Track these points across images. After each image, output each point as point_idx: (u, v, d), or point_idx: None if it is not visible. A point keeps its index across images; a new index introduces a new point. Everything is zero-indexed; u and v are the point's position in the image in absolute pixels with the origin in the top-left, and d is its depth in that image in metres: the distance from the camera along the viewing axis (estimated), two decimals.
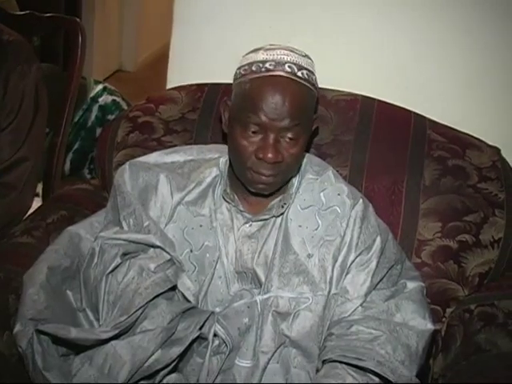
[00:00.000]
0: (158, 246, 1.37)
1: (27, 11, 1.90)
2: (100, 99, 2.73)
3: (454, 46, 1.77)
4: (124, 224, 1.42)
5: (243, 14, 1.80)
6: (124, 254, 1.36)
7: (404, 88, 1.81)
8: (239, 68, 1.36)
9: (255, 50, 1.36)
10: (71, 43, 1.86)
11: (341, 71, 1.79)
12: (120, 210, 1.43)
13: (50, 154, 1.88)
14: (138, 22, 5.39)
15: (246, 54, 1.37)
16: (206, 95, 1.71)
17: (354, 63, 1.80)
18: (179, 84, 1.80)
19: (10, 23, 1.82)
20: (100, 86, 2.78)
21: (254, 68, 1.32)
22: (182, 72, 1.84)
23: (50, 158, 1.89)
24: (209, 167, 1.46)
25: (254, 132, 1.30)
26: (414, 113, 1.70)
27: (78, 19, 1.87)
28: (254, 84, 1.30)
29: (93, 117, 2.73)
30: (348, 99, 1.69)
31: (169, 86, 1.85)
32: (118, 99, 2.78)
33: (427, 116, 1.70)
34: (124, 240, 1.39)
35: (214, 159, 1.48)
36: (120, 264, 1.34)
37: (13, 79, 1.69)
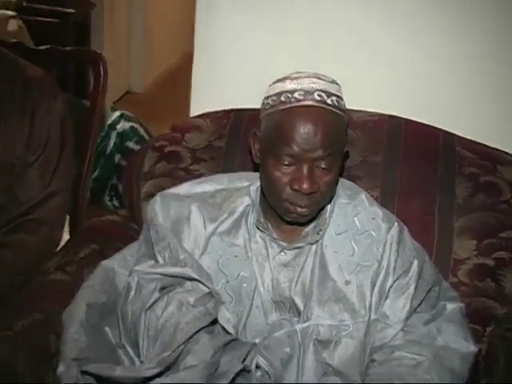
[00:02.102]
0: (195, 279, 1.39)
1: (48, 45, 1.93)
2: (118, 126, 2.76)
3: (480, 61, 1.78)
4: (159, 257, 1.44)
5: (266, 39, 1.82)
6: (162, 289, 1.38)
7: (429, 104, 1.83)
8: (267, 98, 1.38)
9: (282, 79, 1.37)
10: (94, 75, 1.89)
11: (363, 91, 1.81)
12: (154, 244, 1.45)
13: (75, 184, 1.90)
14: (145, 45, 5.46)
15: (273, 84, 1.38)
16: (232, 122, 1.74)
17: (377, 82, 1.82)
18: (203, 111, 1.82)
19: (31, 57, 1.85)
20: (117, 113, 2.82)
21: (282, 98, 1.33)
22: (206, 99, 1.87)
23: (76, 188, 1.91)
24: (240, 196, 1.48)
25: (287, 163, 1.32)
26: (442, 130, 1.72)
27: (99, 51, 1.90)
28: (284, 115, 1.32)
29: (111, 144, 2.77)
30: (375, 119, 1.71)
31: (192, 113, 1.87)
32: (135, 125, 2.82)
33: (455, 132, 1.72)
34: (160, 274, 1.41)
35: (244, 188, 1.49)
36: (158, 298, 1.36)
37: (39, 115, 1.72)
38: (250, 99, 1.75)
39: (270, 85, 1.39)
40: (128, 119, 2.82)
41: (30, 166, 1.73)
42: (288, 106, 1.32)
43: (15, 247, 1.69)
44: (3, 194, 1.72)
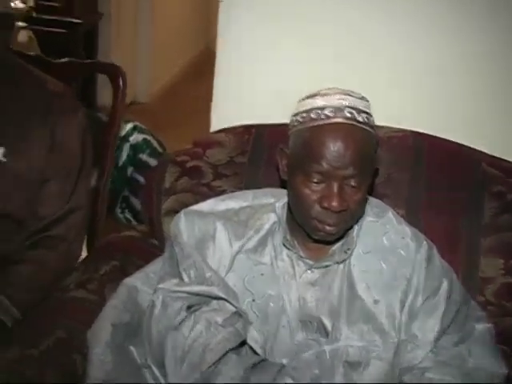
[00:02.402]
0: (222, 298, 1.37)
1: (67, 58, 1.92)
2: (131, 138, 2.75)
3: (501, 76, 1.78)
4: (184, 276, 1.42)
5: (286, 55, 1.81)
6: (188, 307, 1.37)
7: (451, 120, 1.82)
8: (295, 115, 1.37)
9: (312, 96, 1.36)
10: (113, 88, 1.88)
11: (385, 105, 1.80)
12: (179, 262, 1.44)
13: (92, 199, 1.88)
14: (151, 55, 5.47)
15: (303, 100, 1.37)
16: (254, 137, 1.72)
17: (398, 97, 1.81)
18: (223, 126, 1.81)
19: (51, 70, 1.84)
20: (130, 125, 2.80)
21: (312, 115, 1.32)
22: (226, 114, 1.85)
23: (94, 203, 1.89)
24: (266, 213, 1.46)
25: (316, 181, 1.30)
26: (466, 146, 1.71)
27: (118, 64, 1.89)
28: (314, 132, 1.31)
29: (124, 156, 2.75)
30: (399, 136, 1.70)
31: (213, 128, 1.86)
32: (148, 137, 2.81)
33: (479, 149, 1.70)
34: (186, 292, 1.39)
35: (269, 204, 1.48)
36: (185, 318, 1.34)
37: (59, 129, 1.70)
38: (271, 114, 1.75)
39: (299, 101, 1.38)
40: (141, 131, 2.81)
41: (50, 181, 1.71)
42: (318, 123, 1.31)
43: (34, 263, 1.67)
44: (23, 209, 1.70)
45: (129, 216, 2.79)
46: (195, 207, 1.52)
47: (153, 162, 2.80)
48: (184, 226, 1.47)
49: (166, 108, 5.38)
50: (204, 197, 1.66)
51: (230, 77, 1.84)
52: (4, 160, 1.67)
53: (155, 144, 2.82)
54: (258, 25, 1.80)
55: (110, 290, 1.52)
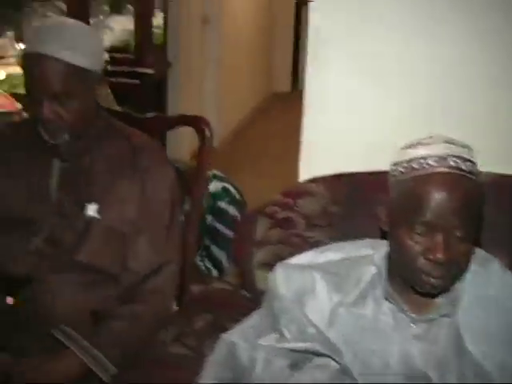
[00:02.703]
0: (325, 354, 1.34)
1: (154, 114, 1.95)
2: (210, 186, 2.75)
3: None
4: (285, 331, 1.40)
5: (375, 101, 1.80)
6: (291, 365, 1.34)
7: None
8: (396, 164, 1.34)
9: (413, 145, 1.34)
10: (200, 139, 1.90)
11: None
12: (279, 317, 1.42)
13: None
14: (218, 101, 5.55)
15: (403, 149, 1.35)
16: (347, 186, 1.70)
17: (496, 142, 1.77)
18: (312, 175, 1.79)
19: (138, 126, 1.87)
20: (209, 173, 2.81)
21: (415, 165, 1.30)
22: (314, 163, 1.84)
23: (182, 254, 1.89)
24: (365, 265, 1.43)
25: (420, 232, 1.27)
26: None
27: (202, 117, 1.91)
28: (418, 182, 1.28)
29: (204, 205, 2.76)
30: (497, 180, 1.65)
31: (301, 177, 1.85)
32: (227, 185, 2.81)
33: None
34: (289, 349, 1.37)
35: (368, 256, 1.45)
36: (290, 376, 1.32)
37: (149, 184, 1.72)
38: (362, 162, 1.73)
39: (400, 150, 1.35)
40: (220, 179, 2.82)
41: (142, 234, 1.72)
42: (421, 172, 1.29)
43: (129, 318, 1.68)
44: (116, 264, 1.72)
45: (209, 265, 2.79)
46: (292, 260, 1.50)
47: (232, 210, 2.80)
48: (282, 280, 1.45)
49: (234, 152, 5.44)
50: (297, 248, 1.64)
51: (318, 126, 1.82)
52: (97, 217, 1.70)
53: (234, 192, 2.83)
54: (349, 74, 1.79)
55: (207, 346, 1.51)
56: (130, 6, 4.61)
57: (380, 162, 1.59)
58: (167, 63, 4.63)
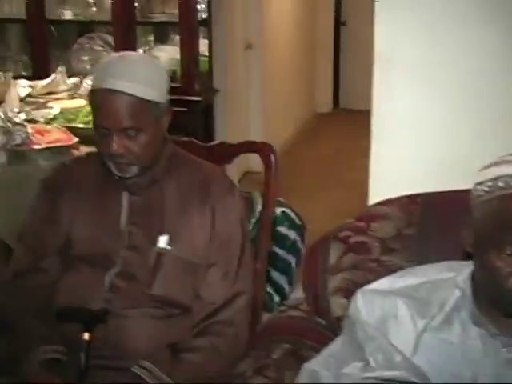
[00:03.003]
0: (413, 382, 1.30)
1: (218, 141, 1.95)
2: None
3: None
4: (371, 360, 1.37)
5: (446, 121, 1.77)
6: None
7: None
8: (480, 184, 1.31)
9: (497, 163, 1.31)
10: (265, 166, 1.89)
11: None
12: (363, 345, 1.38)
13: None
14: (263, 126, 5.54)
15: (486, 168, 1.32)
16: (421, 207, 1.67)
17: None
18: (382, 198, 1.76)
19: (202, 154, 1.86)
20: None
21: (500, 183, 1.27)
22: (384, 185, 1.81)
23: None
24: (448, 288, 1.40)
25: (510, 253, 1.24)
26: None
27: (269, 143, 1.90)
28: (504, 202, 1.26)
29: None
30: None
31: (371, 200, 1.82)
32: (286, 210, 2.79)
33: None
34: (376, 378, 1.33)
35: (450, 279, 1.41)
36: None
37: (219, 213, 1.71)
38: (432, 182, 1.70)
39: (482, 169, 1.33)
40: (279, 204, 2.79)
41: (213, 265, 1.71)
42: (508, 191, 1.26)
43: (205, 351, 1.66)
44: (188, 296, 1.71)
45: (270, 290, 2.75)
46: (372, 286, 1.47)
47: (292, 234, 2.77)
48: (363, 306, 1.42)
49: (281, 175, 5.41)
50: (373, 273, 1.62)
51: (387, 148, 1.80)
52: (168, 248, 1.69)
53: (293, 216, 2.80)
54: (414, 97, 1.77)
55: (289, 376, 1.48)
56: (174, 36, 4.66)
57: (453, 181, 1.56)
58: (214, 90, 4.65)
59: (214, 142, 1.97)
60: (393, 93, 1.77)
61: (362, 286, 1.53)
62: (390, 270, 1.58)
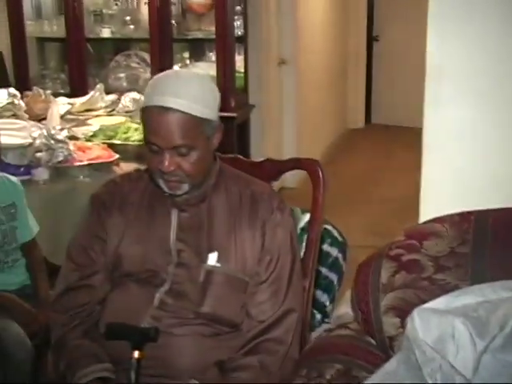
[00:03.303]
0: None
1: (265, 158, 1.95)
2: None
3: None
4: (429, 380, 1.34)
5: (496, 133, 1.75)
6: None
7: None
8: None
9: None
10: (313, 184, 1.88)
11: None
12: (421, 365, 1.36)
13: None
14: (296, 142, 5.55)
15: None
16: (475, 225, 1.63)
17: None
18: (434, 215, 1.74)
19: (249, 170, 1.86)
20: (308, 216, 2.76)
21: None
22: (435, 201, 1.79)
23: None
24: (507, 308, 1.36)
25: None
26: None
27: (315, 159, 1.89)
28: None
29: (304, 247, 2.71)
30: None
31: (422, 217, 1.80)
32: (328, 227, 2.75)
33: None
34: None
35: (509, 299, 1.38)
36: None
37: (269, 229, 1.70)
38: (486, 199, 1.67)
39: None
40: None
41: (263, 283, 1.70)
42: None
43: (254, 369, 1.64)
44: (238, 314, 1.70)
45: (312, 308, 2.73)
46: (428, 305, 1.44)
47: (334, 251, 2.74)
48: (420, 326, 1.40)
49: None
50: (427, 292, 1.59)
51: (439, 164, 1.78)
52: (218, 265, 1.68)
53: (336, 233, 2.77)
54: (465, 108, 1.74)
55: None
56: (209, 52, 4.68)
57: (508, 198, 1.54)
58: (249, 106, 4.66)
59: (260, 159, 1.96)
60: (444, 106, 1.75)
61: (414, 305, 1.50)
62: (443, 289, 1.56)
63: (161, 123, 1.58)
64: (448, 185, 1.79)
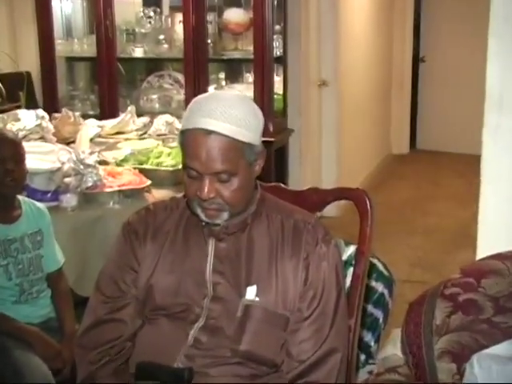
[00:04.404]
0: None
1: (309, 187, 1.92)
2: (354, 262, 2.66)
3: None
4: None
5: None
6: None
7: None
8: None
9: None
10: (361, 213, 1.84)
11: None
12: None
13: None
14: (336, 168, 5.51)
15: None
16: None
17: None
18: (491, 251, 1.69)
19: (292, 199, 1.83)
20: (352, 248, 2.72)
21: None
22: (494, 236, 1.74)
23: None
24: None
25: None
26: None
27: (363, 189, 1.86)
28: None
29: (348, 282, 2.67)
30: None
31: (479, 253, 1.75)
32: (373, 260, 2.71)
33: None
34: None
35: None
36: None
37: (313, 261, 1.67)
38: None
39: None
40: None
41: (306, 320, 1.66)
42: None
43: None
44: (277, 352, 1.66)
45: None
46: (489, 351, 1.41)
47: (380, 287, 2.68)
48: (480, 374, 1.37)
49: (354, 221, 5.34)
50: (485, 335, 1.55)
51: (498, 195, 1.73)
52: (257, 299, 1.65)
53: (381, 267, 2.71)
54: None
55: None
56: (246, 73, 4.69)
57: None
58: (288, 130, 4.65)
59: (306, 188, 1.93)
60: (505, 136, 1.71)
61: (472, 349, 1.46)
62: (504, 333, 1.51)
63: (201, 147, 1.56)
64: (508, 218, 1.74)
